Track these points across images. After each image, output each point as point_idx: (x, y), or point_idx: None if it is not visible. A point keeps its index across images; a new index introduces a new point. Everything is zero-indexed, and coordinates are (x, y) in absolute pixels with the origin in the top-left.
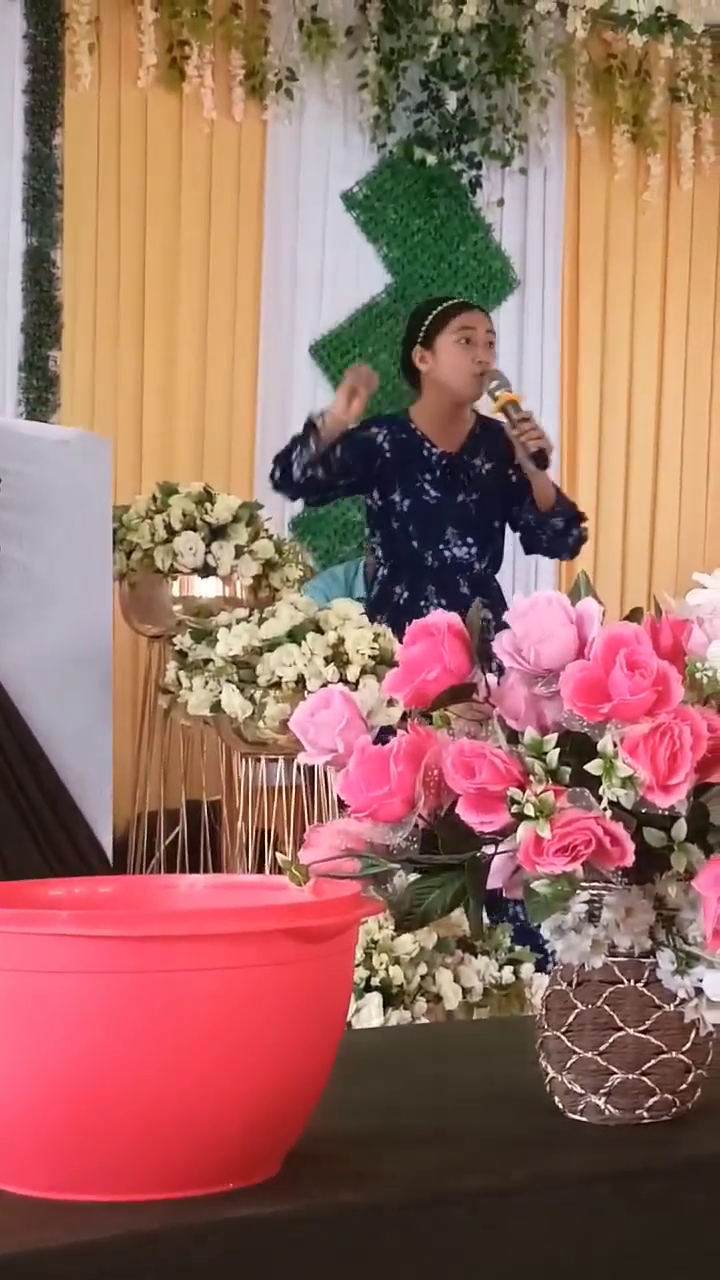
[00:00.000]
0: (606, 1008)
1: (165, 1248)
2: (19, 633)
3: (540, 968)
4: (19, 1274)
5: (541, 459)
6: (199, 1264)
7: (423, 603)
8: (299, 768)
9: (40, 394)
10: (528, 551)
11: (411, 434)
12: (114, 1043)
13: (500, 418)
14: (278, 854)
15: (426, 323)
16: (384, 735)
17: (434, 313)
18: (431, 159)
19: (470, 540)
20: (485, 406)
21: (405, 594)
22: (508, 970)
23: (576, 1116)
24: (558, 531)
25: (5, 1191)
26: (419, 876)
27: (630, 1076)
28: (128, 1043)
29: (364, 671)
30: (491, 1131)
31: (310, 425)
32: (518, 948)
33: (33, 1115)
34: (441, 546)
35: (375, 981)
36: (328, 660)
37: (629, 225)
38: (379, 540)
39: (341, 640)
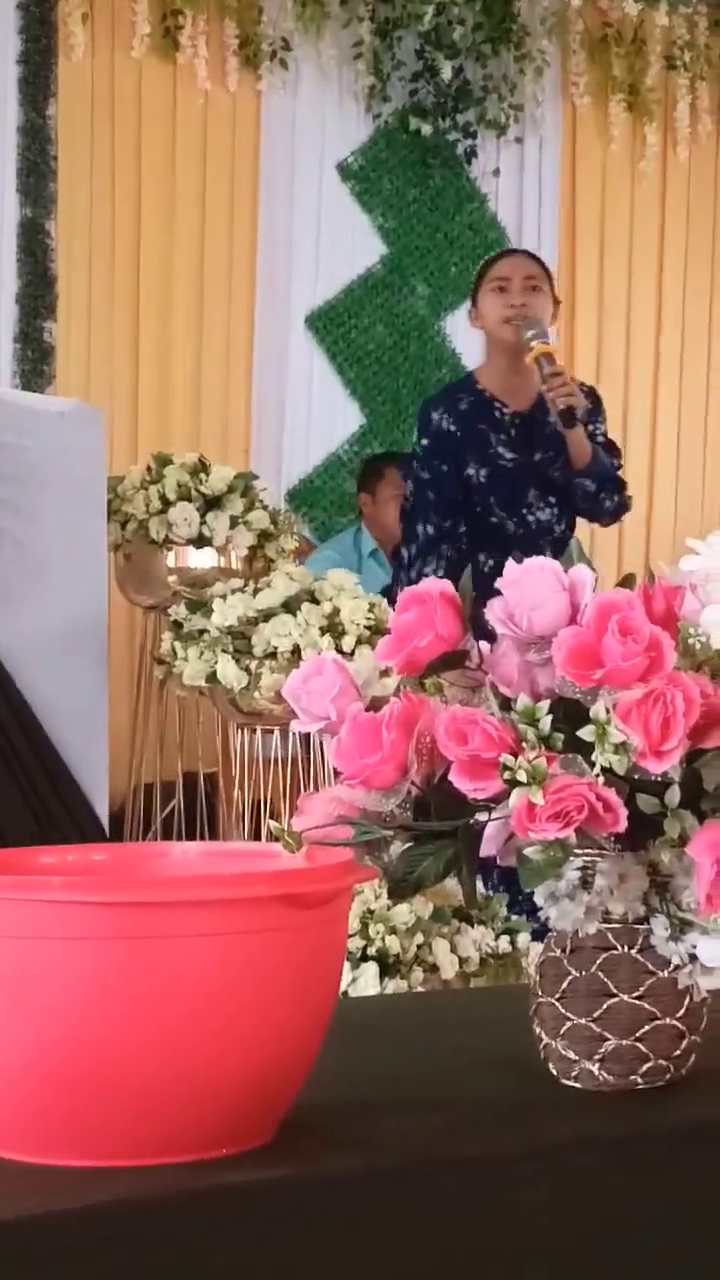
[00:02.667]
0: (600, 974)
1: (158, 1214)
2: (14, 604)
3: (537, 937)
4: (11, 1240)
5: (569, 417)
6: (192, 1230)
7: None
8: (295, 738)
9: (35, 365)
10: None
11: (479, 396)
12: (106, 1009)
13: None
14: (270, 821)
15: (474, 281)
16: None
17: (478, 268)
18: (427, 129)
19: (553, 500)
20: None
21: (489, 563)
22: (504, 940)
23: (571, 1083)
24: (588, 493)
25: (1, 1157)
26: (411, 844)
27: (624, 1042)
28: (120, 1009)
29: (359, 642)
30: (486, 1098)
31: None
32: (514, 917)
33: (25, 1081)
34: (525, 511)
35: (372, 951)
36: (323, 630)
37: (625, 194)
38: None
39: (337, 611)
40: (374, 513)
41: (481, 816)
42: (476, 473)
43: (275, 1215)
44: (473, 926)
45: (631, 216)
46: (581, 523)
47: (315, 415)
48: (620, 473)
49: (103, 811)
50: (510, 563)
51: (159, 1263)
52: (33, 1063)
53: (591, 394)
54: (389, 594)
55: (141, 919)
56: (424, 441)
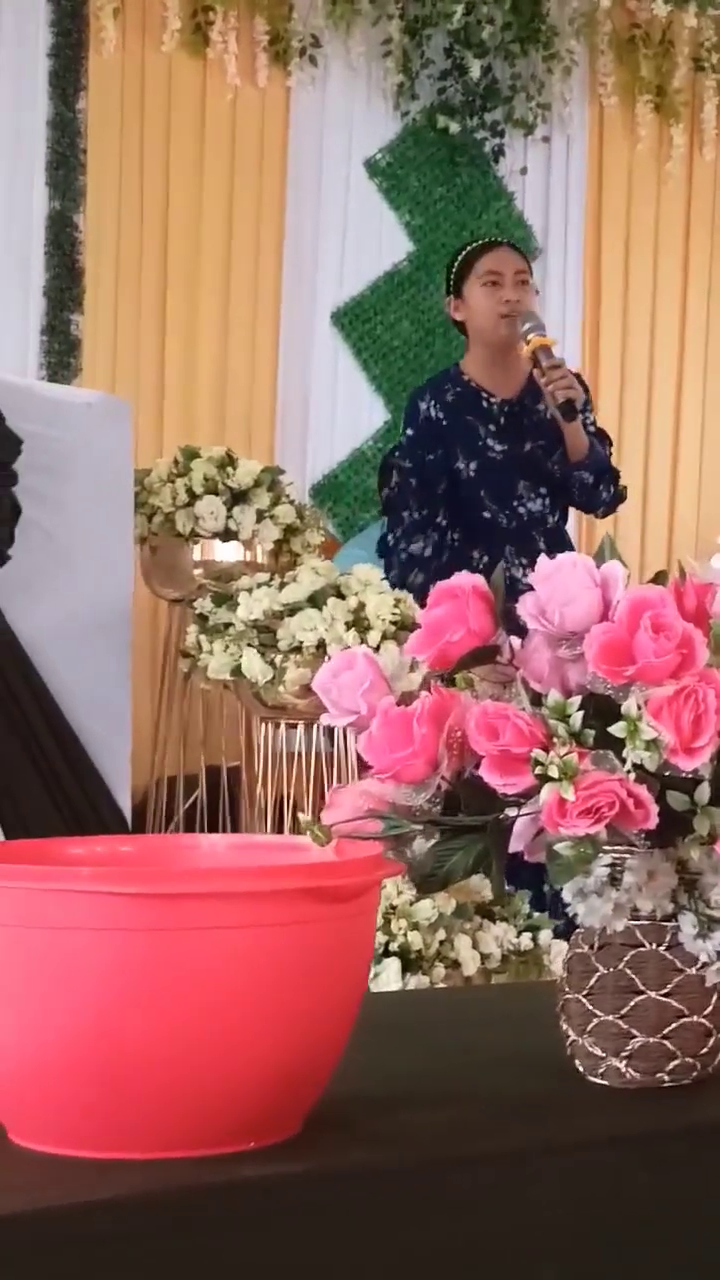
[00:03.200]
0: (628, 971)
1: (185, 1206)
2: (40, 596)
3: (559, 934)
4: (41, 1231)
5: (569, 410)
6: (219, 1222)
7: (505, 564)
8: (319, 733)
9: (62, 358)
10: (567, 505)
11: (465, 386)
12: (135, 1000)
13: (531, 363)
14: (299, 815)
15: (454, 270)
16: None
17: (460, 258)
18: (454, 127)
19: (543, 491)
20: None
21: (484, 558)
22: (526, 936)
23: (597, 1080)
24: (586, 485)
25: (27, 1148)
26: (441, 839)
27: (651, 1040)
28: (149, 1000)
29: (385, 637)
30: (512, 1095)
31: None
32: (536, 914)
33: (54, 1073)
34: (515, 503)
35: (394, 946)
36: (349, 625)
37: (651, 195)
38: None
39: (362, 605)
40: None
41: (511, 812)
42: (466, 466)
43: (300, 1209)
44: (495, 923)
45: (657, 216)
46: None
47: (340, 411)
48: (613, 462)
49: (125, 803)
50: (509, 555)
51: (183, 1255)
52: (60, 1053)
53: (579, 381)
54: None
55: (172, 910)
56: (409, 431)
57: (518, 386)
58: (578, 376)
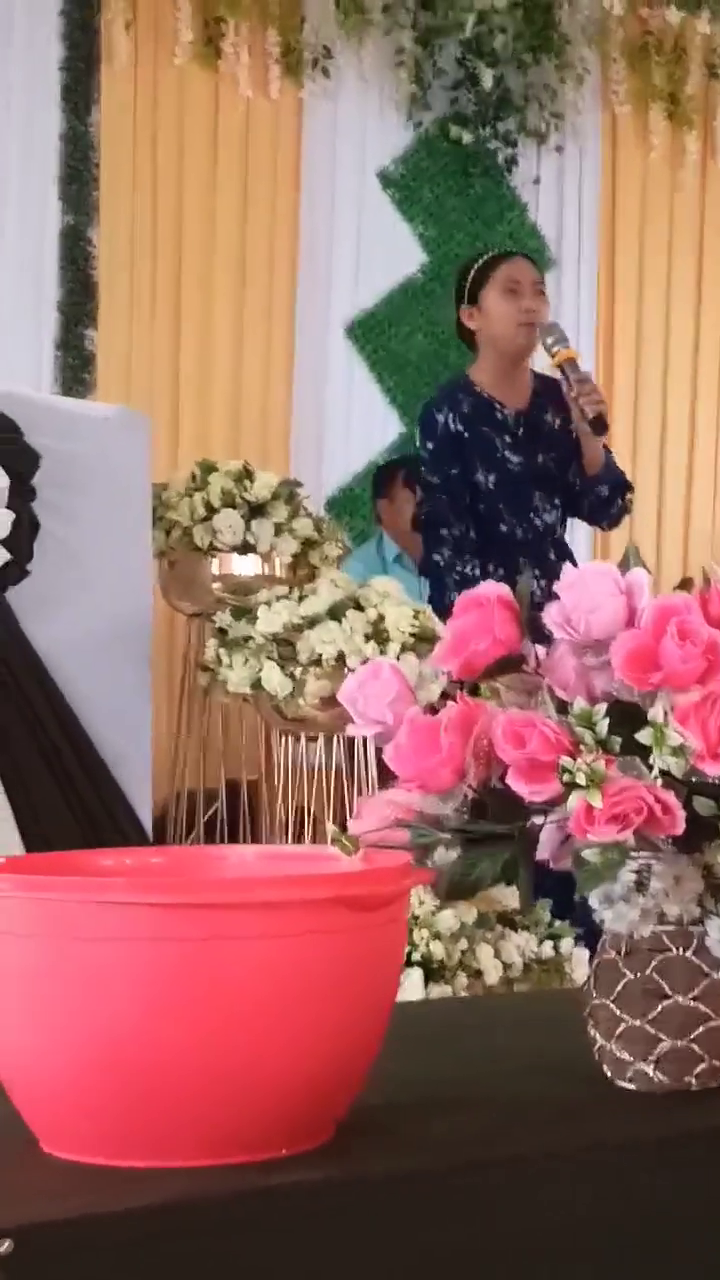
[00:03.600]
0: (655, 975)
1: (218, 1213)
2: (59, 610)
3: (580, 942)
4: (72, 1238)
5: (600, 424)
6: (251, 1229)
7: (519, 577)
8: (339, 746)
9: (76, 373)
10: (569, 514)
11: (478, 397)
12: (168, 1010)
13: (556, 375)
14: (327, 824)
15: (470, 278)
16: None
17: (476, 266)
18: (467, 137)
19: (556, 503)
20: (540, 362)
21: (499, 570)
22: (548, 945)
23: (625, 1084)
24: (601, 499)
25: (59, 1158)
26: (468, 847)
27: (679, 1043)
28: (182, 1010)
29: (404, 649)
30: (540, 1099)
31: None
32: (558, 923)
33: (87, 1082)
34: (531, 515)
35: (416, 956)
36: (368, 637)
37: (665, 203)
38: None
39: (382, 617)
40: (393, 518)
41: (538, 820)
42: (485, 479)
43: (331, 1215)
44: (517, 932)
45: (671, 225)
46: (620, 525)
47: (355, 424)
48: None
49: (145, 816)
50: (523, 567)
51: (216, 1261)
52: (92, 1063)
53: None
54: (435, 604)
55: (205, 920)
56: (429, 445)
57: (526, 397)
58: None
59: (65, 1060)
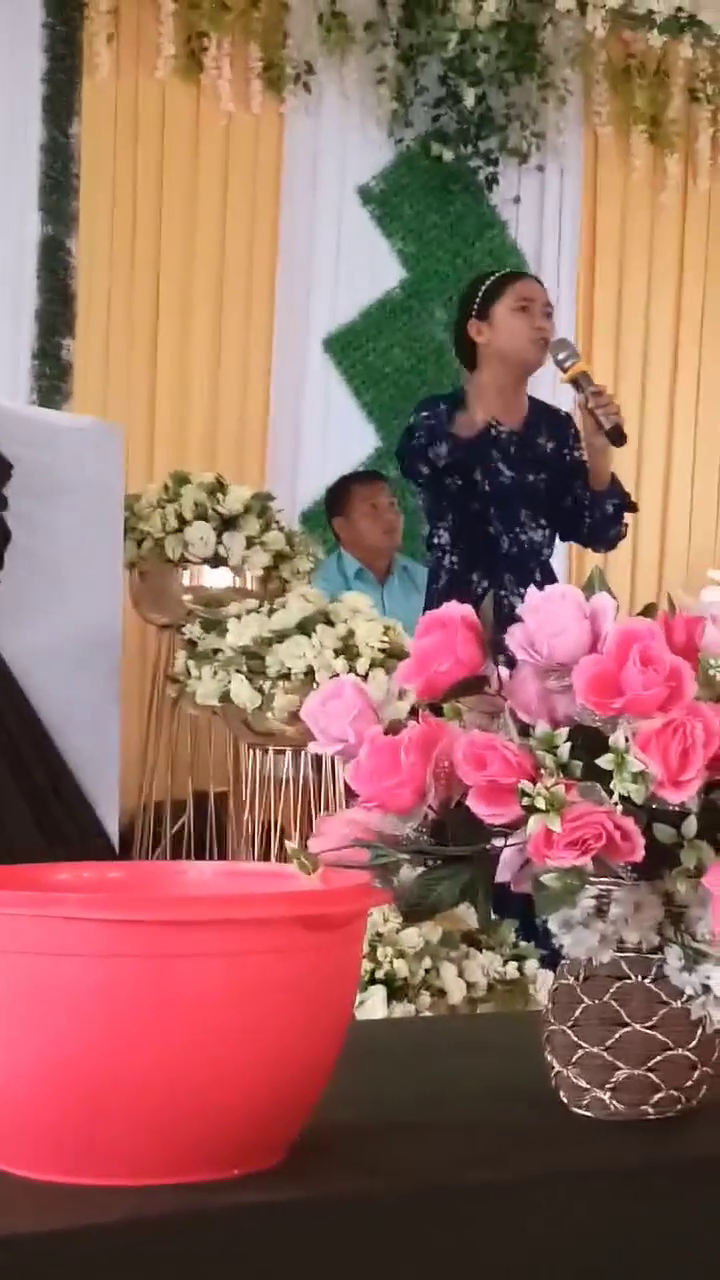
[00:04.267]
0: (613, 1003)
1: (170, 1232)
2: (29, 619)
3: (544, 963)
4: (24, 1256)
5: (619, 434)
6: (204, 1249)
7: (504, 593)
8: (306, 760)
9: (53, 382)
10: (563, 537)
11: (473, 412)
12: (122, 1027)
13: (571, 390)
14: (286, 842)
15: (481, 293)
16: None
17: (488, 283)
18: (448, 155)
19: (543, 523)
20: (542, 383)
21: (484, 584)
22: (512, 965)
23: (581, 1111)
24: (606, 516)
25: (12, 1174)
26: (428, 868)
27: (636, 1072)
28: (136, 1027)
29: (373, 664)
30: (497, 1125)
31: None
32: (522, 943)
33: (40, 1099)
34: (518, 530)
35: (380, 974)
36: (337, 653)
37: (645, 225)
38: (447, 527)
39: (351, 633)
40: (350, 534)
41: (498, 842)
42: (482, 481)
43: (285, 1237)
44: (481, 951)
45: (651, 247)
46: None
47: (332, 437)
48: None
49: (112, 827)
50: (508, 584)
51: None
52: (44, 1079)
53: (570, 416)
54: (434, 580)
55: (158, 937)
56: (419, 435)
57: (521, 417)
58: (569, 414)
59: (16, 1076)
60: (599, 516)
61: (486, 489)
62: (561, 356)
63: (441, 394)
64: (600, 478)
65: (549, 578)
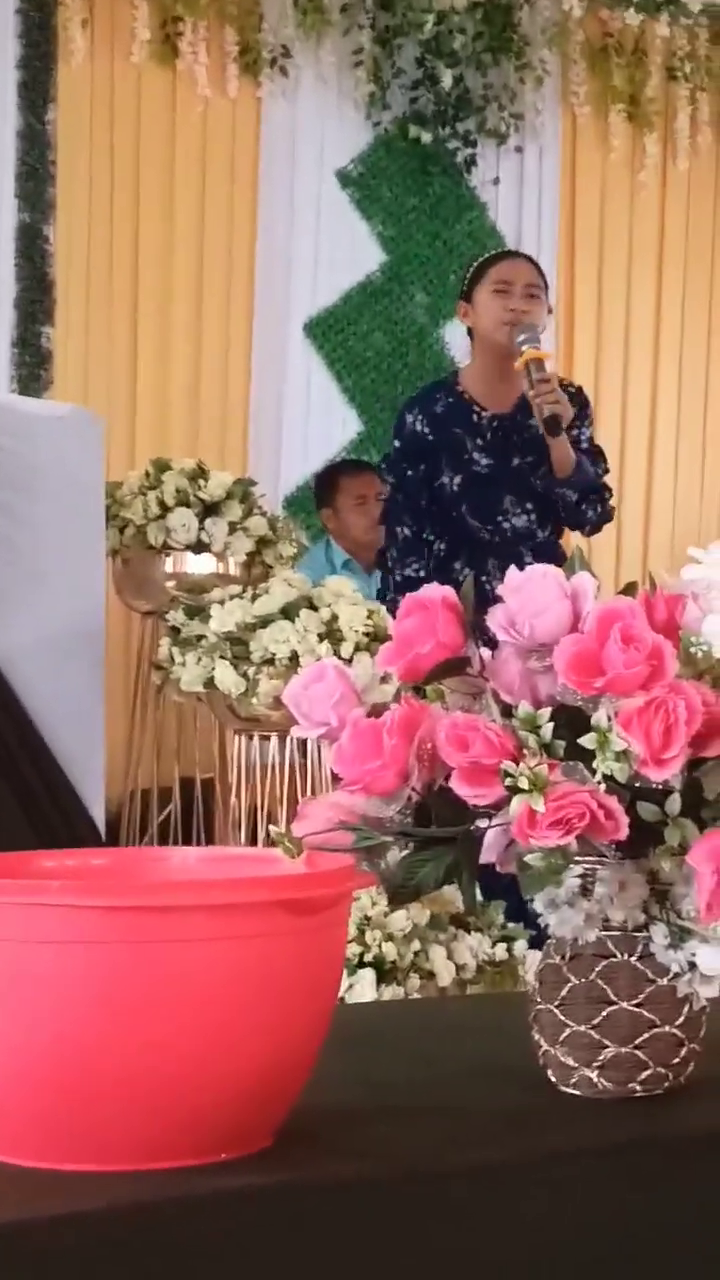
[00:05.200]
0: (600, 982)
1: (156, 1218)
2: (11, 610)
3: (534, 944)
4: (8, 1244)
5: (554, 425)
6: (190, 1235)
7: (485, 578)
8: (292, 744)
9: (33, 370)
10: (556, 521)
11: (458, 398)
12: (105, 1013)
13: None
14: (270, 826)
15: (468, 276)
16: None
17: (475, 264)
18: (426, 137)
19: (529, 506)
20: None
21: (467, 570)
22: (501, 947)
23: (569, 1090)
24: (568, 503)
25: None
26: (412, 850)
27: (623, 1050)
28: (119, 1013)
29: (358, 648)
30: (485, 1106)
31: None
32: (510, 925)
33: (23, 1085)
34: (500, 518)
35: (368, 958)
36: (321, 637)
37: (624, 205)
38: (428, 517)
39: (335, 617)
40: (338, 526)
41: (482, 823)
42: (450, 480)
43: (273, 1221)
44: (470, 933)
45: (631, 226)
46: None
47: (313, 422)
48: (606, 479)
49: (99, 816)
50: (492, 569)
51: (156, 1267)
52: (30, 1066)
53: (579, 395)
54: (380, 597)
55: (141, 923)
56: (395, 443)
57: (511, 400)
58: (579, 390)
59: (1, 1062)
60: (563, 505)
61: (456, 488)
62: (520, 339)
63: (434, 381)
64: (560, 466)
65: (546, 559)
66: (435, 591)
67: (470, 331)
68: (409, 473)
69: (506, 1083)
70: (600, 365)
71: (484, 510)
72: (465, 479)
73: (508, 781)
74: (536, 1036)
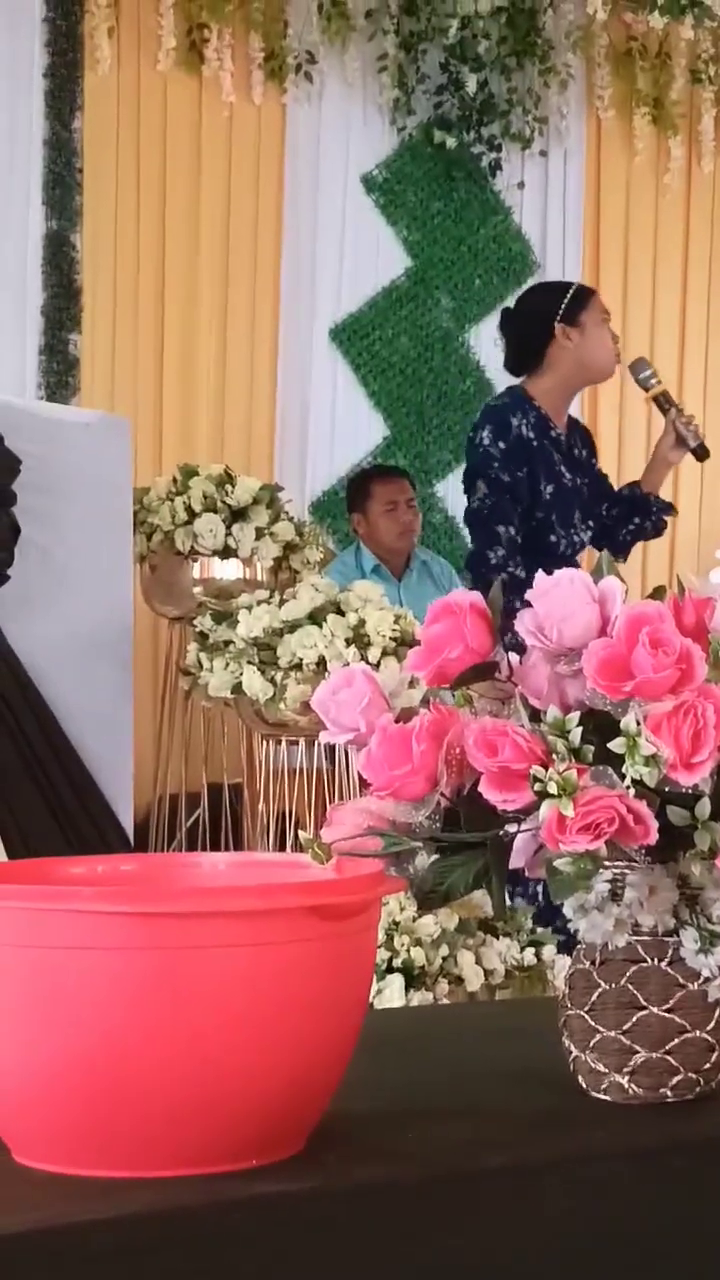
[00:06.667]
0: (630, 986)
1: (189, 1224)
2: (40, 615)
3: (562, 949)
4: (44, 1248)
5: (704, 451)
6: (223, 1240)
7: None
8: (320, 749)
9: (60, 377)
10: (599, 539)
11: (538, 412)
12: (137, 1020)
13: (653, 407)
14: (300, 832)
15: (569, 297)
16: None
17: (575, 288)
18: (451, 141)
19: (590, 524)
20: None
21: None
22: (529, 952)
23: (600, 1095)
24: (655, 524)
25: (32, 1167)
26: (441, 855)
27: (654, 1055)
28: (151, 1020)
29: (385, 653)
30: (515, 1110)
31: None
32: (539, 929)
33: (57, 1092)
34: (572, 530)
35: (397, 963)
36: (349, 642)
37: (649, 208)
38: (515, 532)
39: (363, 622)
40: (368, 531)
41: (511, 828)
42: (544, 488)
43: (304, 1226)
44: (498, 939)
45: (656, 229)
46: None
47: (339, 427)
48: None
49: (128, 821)
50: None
51: (188, 1272)
52: (62, 1073)
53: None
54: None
55: (172, 929)
56: (500, 444)
57: (565, 425)
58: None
59: (34, 1070)
60: (653, 525)
61: (549, 495)
62: (646, 375)
63: (508, 391)
64: (655, 489)
65: None
66: (463, 596)
67: (542, 350)
68: (518, 474)
69: (536, 1088)
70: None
71: (567, 520)
72: (556, 488)
73: (536, 786)
74: (566, 1042)
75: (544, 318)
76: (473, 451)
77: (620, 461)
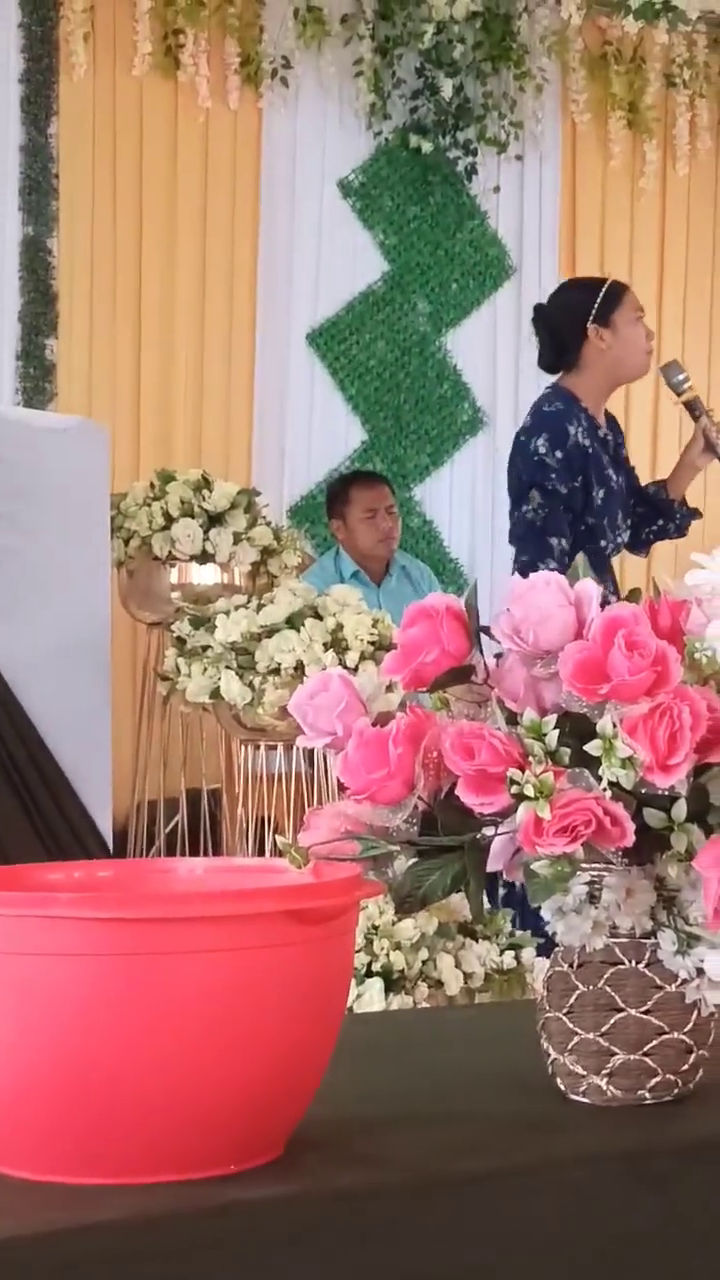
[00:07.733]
0: (608, 989)
1: (167, 1230)
2: (17, 620)
3: (542, 952)
4: (22, 1256)
5: None
6: (201, 1246)
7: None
8: (299, 754)
9: (37, 383)
10: (631, 539)
11: (585, 412)
12: (114, 1025)
13: (682, 410)
14: (277, 837)
15: (602, 296)
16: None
17: (604, 289)
18: (427, 146)
19: (628, 524)
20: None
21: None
22: (509, 955)
23: (578, 1098)
24: (679, 527)
25: (9, 1176)
26: (419, 859)
27: (632, 1057)
28: (128, 1025)
29: (363, 657)
30: (494, 1114)
31: None
32: (518, 932)
33: (30, 1098)
34: (615, 532)
35: (376, 967)
36: (326, 646)
37: (625, 211)
38: (567, 540)
39: (340, 626)
40: (348, 537)
41: (488, 831)
42: (596, 494)
43: (283, 1232)
44: (477, 942)
45: (631, 233)
46: None
47: (316, 431)
48: None
49: (106, 827)
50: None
51: (168, 1279)
52: (38, 1079)
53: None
54: None
55: (148, 935)
56: (558, 454)
57: (604, 420)
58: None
59: (11, 1076)
60: (676, 527)
61: (601, 500)
62: (680, 379)
63: (553, 391)
64: (680, 494)
65: (614, 578)
66: (440, 600)
67: (578, 350)
68: (574, 484)
69: (515, 1091)
70: None
71: (613, 523)
72: (606, 492)
73: (513, 789)
74: (545, 1044)
75: (577, 318)
76: (527, 459)
77: (654, 459)
